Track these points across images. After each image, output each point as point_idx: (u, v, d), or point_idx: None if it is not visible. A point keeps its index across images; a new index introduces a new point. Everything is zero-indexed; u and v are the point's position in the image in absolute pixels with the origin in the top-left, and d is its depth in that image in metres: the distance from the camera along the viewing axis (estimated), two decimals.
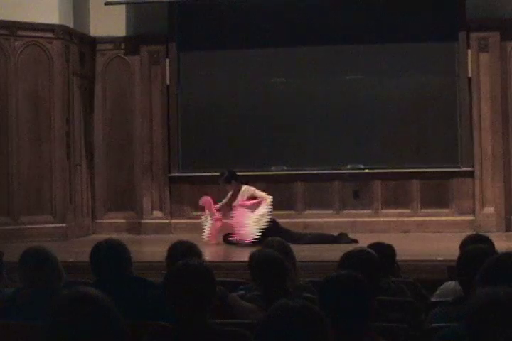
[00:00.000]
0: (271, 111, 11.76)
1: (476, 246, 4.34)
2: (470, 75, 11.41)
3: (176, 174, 11.91)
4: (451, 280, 4.72)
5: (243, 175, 11.64)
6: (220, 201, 10.26)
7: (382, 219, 11.47)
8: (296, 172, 11.53)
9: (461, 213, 11.41)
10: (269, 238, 5.28)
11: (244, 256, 8.33)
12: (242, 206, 9.71)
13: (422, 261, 7.68)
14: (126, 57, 12.14)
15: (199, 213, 11.83)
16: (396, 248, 5.19)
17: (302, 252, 7.50)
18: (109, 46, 12.11)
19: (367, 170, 11.56)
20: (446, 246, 7.78)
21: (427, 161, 11.48)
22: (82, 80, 11.81)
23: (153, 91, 11.95)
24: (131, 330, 2.55)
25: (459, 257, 4.22)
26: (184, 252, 4.59)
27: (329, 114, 11.66)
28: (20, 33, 10.95)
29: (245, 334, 3.10)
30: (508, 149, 11.37)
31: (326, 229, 11.05)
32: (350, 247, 4.47)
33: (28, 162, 10.90)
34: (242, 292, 4.55)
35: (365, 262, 4.07)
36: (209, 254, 7.95)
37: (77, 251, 8.69)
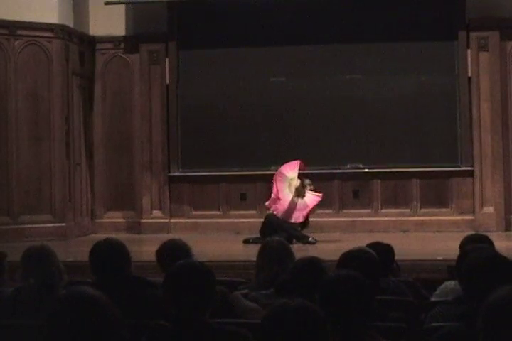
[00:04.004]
0: (270, 111, 11.76)
1: (476, 246, 4.35)
2: (470, 75, 11.42)
3: (176, 173, 11.91)
4: (451, 279, 4.71)
5: (243, 175, 11.68)
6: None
7: (381, 218, 11.47)
8: None
9: (461, 213, 11.41)
10: (268, 238, 5.27)
11: (244, 255, 8.35)
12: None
13: (422, 260, 7.69)
14: (125, 57, 12.13)
15: (198, 212, 11.86)
16: (396, 247, 5.18)
17: (302, 252, 7.50)
18: (108, 45, 12.11)
19: (366, 170, 11.57)
20: (446, 246, 7.78)
21: (427, 161, 11.48)
22: (81, 79, 11.81)
23: (153, 90, 11.95)
24: (131, 330, 2.55)
25: (459, 257, 4.22)
26: (173, 251, 4.65)
27: (329, 114, 11.67)
28: (19, 32, 10.94)
29: (245, 334, 3.10)
30: (507, 149, 11.37)
31: (325, 228, 11.07)
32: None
33: (27, 161, 10.90)
34: (246, 290, 4.55)
35: (364, 262, 4.06)
36: (209, 254, 7.95)
37: (76, 250, 8.69)
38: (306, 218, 9.95)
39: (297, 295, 3.77)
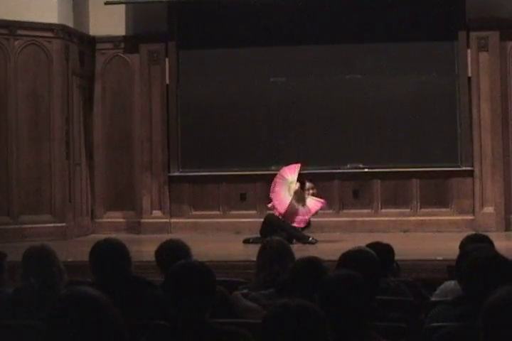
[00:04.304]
0: (271, 111, 11.76)
1: (476, 246, 4.35)
2: (470, 75, 11.42)
3: (176, 173, 11.91)
4: (451, 279, 4.72)
5: (243, 175, 11.68)
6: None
7: (381, 218, 11.47)
8: None
9: (461, 212, 11.41)
10: (268, 238, 5.26)
11: (244, 255, 8.35)
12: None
13: (422, 260, 7.69)
14: (125, 57, 12.13)
15: (198, 212, 11.86)
16: (396, 247, 5.18)
17: (302, 252, 7.50)
18: (108, 45, 12.11)
19: (366, 170, 11.57)
20: (446, 246, 7.77)
21: (427, 161, 11.48)
22: (81, 79, 11.81)
23: (153, 90, 11.94)
24: (131, 330, 2.55)
25: (459, 257, 4.23)
26: (172, 251, 4.65)
27: (329, 114, 11.66)
28: (19, 32, 10.94)
29: (245, 334, 3.10)
30: (507, 149, 11.37)
31: (325, 228, 11.07)
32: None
33: (27, 161, 10.90)
34: (246, 291, 4.55)
35: (364, 262, 4.06)
36: (209, 254, 7.95)
37: (76, 250, 8.69)
38: (308, 222, 9.96)
39: (297, 295, 3.79)
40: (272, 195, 9.89)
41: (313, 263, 4.15)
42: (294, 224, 9.79)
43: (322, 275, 3.97)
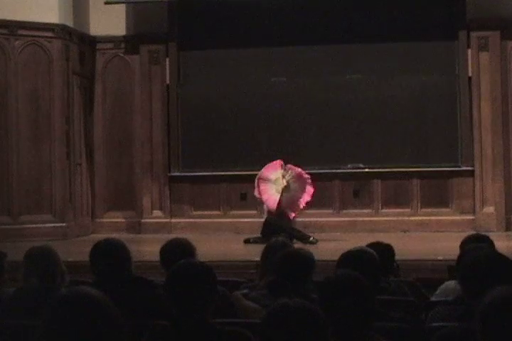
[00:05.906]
0: (271, 111, 11.77)
1: (476, 246, 4.35)
2: (470, 75, 11.42)
3: (176, 173, 11.91)
4: (451, 279, 4.72)
5: (243, 175, 11.68)
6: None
7: (382, 218, 11.47)
8: None
9: (461, 212, 11.42)
10: (273, 238, 5.25)
11: (244, 255, 8.36)
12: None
13: (422, 260, 7.69)
14: (126, 57, 12.14)
15: (199, 212, 11.86)
16: (396, 247, 5.18)
17: None
18: (109, 45, 12.11)
19: (367, 170, 11.57)
20: (447, 246, 7.78)
21: (427, 161, 11.49)
22: (82, 79, 11.81)
23: (153, 90, 11.95)
24: (131, 330, 2.55)
25: (459, 256, 4.23)
26: (178, 250, 4.63)
27: (329, 114, 11.67)
28: (20, 32, 10.95)
29: (246, 334, 3.10)
30: (508, 149, 11.37)
31: (326, 228, 11.07)
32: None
33: (28, 161, 10.90)
34: (246, 291, 4.54)
35: (364, 262, 4.06)
36: (209, 254, 7.94)
37: (76, 250, 8.67)
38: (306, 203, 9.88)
39: (290, 288, 3.82)
40: (257, 195, 9.84)
41: (296, 255, 4.19)
42: (294, 212, 9.76)
43: (308, 265, 4.03)
